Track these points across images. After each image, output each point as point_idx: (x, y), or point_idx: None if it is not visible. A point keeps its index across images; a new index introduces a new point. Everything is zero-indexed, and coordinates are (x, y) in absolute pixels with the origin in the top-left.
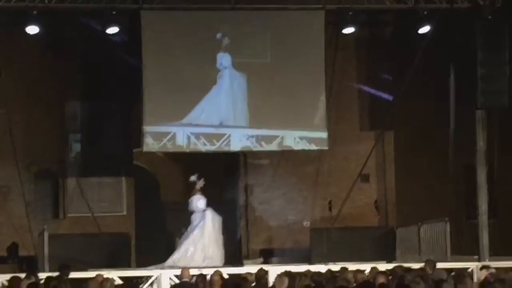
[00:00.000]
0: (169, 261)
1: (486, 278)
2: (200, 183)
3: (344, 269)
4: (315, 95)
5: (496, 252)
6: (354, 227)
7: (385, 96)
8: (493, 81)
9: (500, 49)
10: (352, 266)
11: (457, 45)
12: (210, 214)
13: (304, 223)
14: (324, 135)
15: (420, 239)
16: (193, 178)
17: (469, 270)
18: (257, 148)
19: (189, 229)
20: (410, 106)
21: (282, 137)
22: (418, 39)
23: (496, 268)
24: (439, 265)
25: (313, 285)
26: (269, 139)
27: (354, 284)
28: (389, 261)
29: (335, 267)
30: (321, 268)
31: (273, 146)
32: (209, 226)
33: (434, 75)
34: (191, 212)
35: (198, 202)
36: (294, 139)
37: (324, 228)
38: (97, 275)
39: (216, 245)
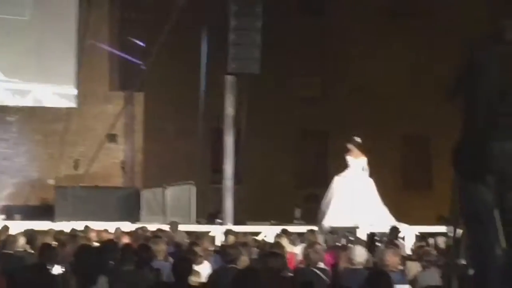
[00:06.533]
0: None
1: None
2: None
3: (87, 228)
4: (67, 52)
5: (239, 217)
6: (100, 187)
7: (135, 60)
8: (244, 47)
9: (253, 16)
10: (96, 225)
11: (210, 10)
12: None
13: (49, 181)
14: (73, 92)
15: (165, 201)
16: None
17: (212, 233)
18: (11, 102)
19: None
20: (161, 68)
21: (36, 92)
22: (172, 2)
23: (238, 233)
24: (183, 227)
25: (56, 243)
26: (23, 93)
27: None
28: (133, 221)
29: (79, 225)
30: (65, 226)
31: (27, 101)
32: None
33: (187, 39)
34: None
35: None
36: (47, 94)
37: (69, 186)
38: None
39: None
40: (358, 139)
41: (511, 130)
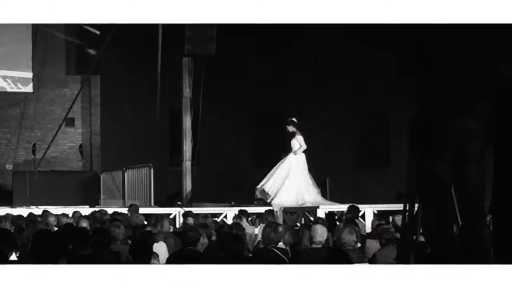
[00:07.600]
0: None
1: None
2: None
3: (45, 212)
4: (22, 37)
5: (197, 198)
6: (58, 171)
7: (91, 50)
8: (200, 29)
9: None
10: (55, 210)
11: None
12: None
13: (7, 166)
14: (29, 77)
15: (124, 184)
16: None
17: (172, 216)
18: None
19: None
20: (117, 51)
21: None
22: None
23: (196, 214)
24: (142, 210)
25: (14, 228)
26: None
27: (56, 228)
28: (92, 205)
29: (38, 210)
30: (23, 211)
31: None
32: None
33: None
34: None
35: None
36: (3, 79)
37: (27, 171)
38: None
39: None
40: (295, 120)
41: (467, 106)
